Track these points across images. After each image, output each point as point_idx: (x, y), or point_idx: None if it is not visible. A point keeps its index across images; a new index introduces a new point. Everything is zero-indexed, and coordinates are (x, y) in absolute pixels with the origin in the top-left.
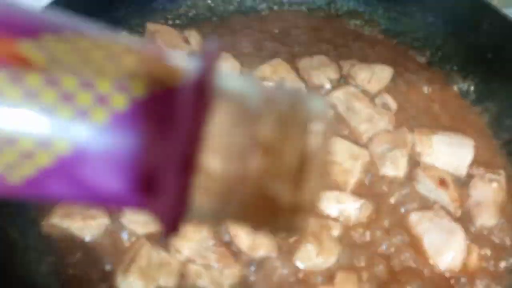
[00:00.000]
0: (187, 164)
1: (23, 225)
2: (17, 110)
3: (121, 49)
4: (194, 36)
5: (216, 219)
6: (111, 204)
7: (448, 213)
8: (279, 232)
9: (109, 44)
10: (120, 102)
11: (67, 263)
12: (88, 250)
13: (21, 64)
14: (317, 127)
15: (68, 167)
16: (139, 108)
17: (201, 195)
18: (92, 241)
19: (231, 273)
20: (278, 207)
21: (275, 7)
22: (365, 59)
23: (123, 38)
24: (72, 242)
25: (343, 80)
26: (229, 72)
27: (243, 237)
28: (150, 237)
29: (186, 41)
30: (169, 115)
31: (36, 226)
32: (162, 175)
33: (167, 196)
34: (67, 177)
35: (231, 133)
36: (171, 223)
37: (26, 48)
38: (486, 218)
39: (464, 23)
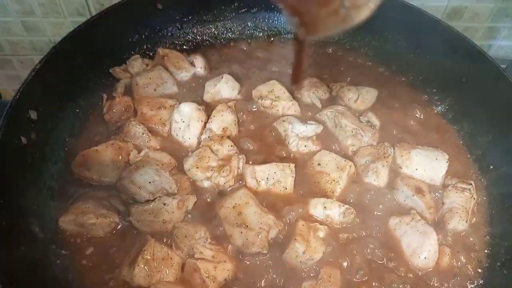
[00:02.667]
0: None
1: (43, 222)
2: None
3: None
4: (199, 60)
5: None
6: None
7: (424, 218)
8: (315, 25)
9: None
10: None
11: (80, 256)
12: (99, 245)
13: None
14: None
15: None
16: None
17: None
18: (103, 236)
19: (225, 267)
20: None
21: (273, 36)
22: (353, 82)
23: None
24: (86, 238)
25: (332, 100)
26: None
27: (237, 236)
28: (154, 235)
29: (192, 64)
30: None
31: (54, 223)
32: None
33: None
34: None
35: None
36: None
37: None
38: (457, 223)
39: (442, 52)
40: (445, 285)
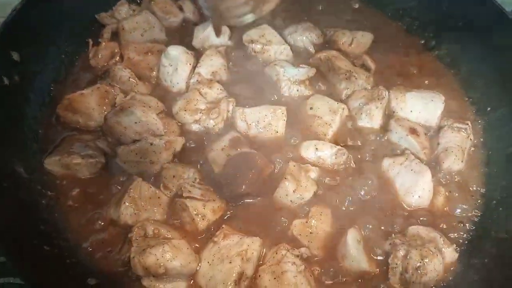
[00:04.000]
0: None
1: (27, 161)
2: None
3: None
4: (187, 5)
5: None
6: None
7: (418, 159)
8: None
9: None
10: None
11: (66, 197)
12: (85, 186)
13: None
14: None
15: None
16: None
17: None
18: (88, 178)
19: (214, 206)
20: None
21: None
22: (348, 27)
23: None
24: (71, 179)
25: (326, 45)
26: None
27: None
28: (141, 176)
29: (181, 9)
30: None
31: (39, 163)
32: None
33: None
34: None
35: None
36: None
37: None
38: (453, 162)
39: None
40: (440, 224)
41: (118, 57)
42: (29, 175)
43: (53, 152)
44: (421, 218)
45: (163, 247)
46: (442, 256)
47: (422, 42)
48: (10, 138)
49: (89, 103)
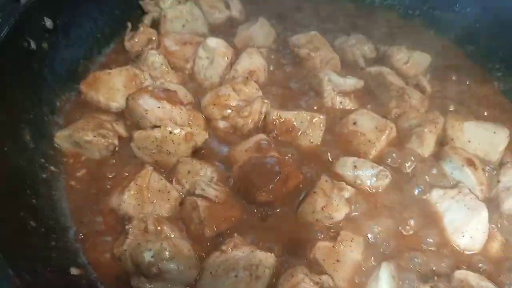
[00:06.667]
0: None
1: (37, 132)
2: None
3: None
4: (235, 3)
5: None
6: None
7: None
8: None
9: None
10: None
11: (70, 176)
12: (93, 169)
13: None
14: None
15: None
16: None
17: None
18: (98, 160)
19: (228, 212)
20: None
21: None
22: (405, 45)
23: None
24: (79, 158)
25: (378, 62)
26: None
27: None
28: (154, 165)
29: (227, 6)
30: None
31: (49, 136)
32: None
33: None
34: None
35: None
36: None
37: None
38: None
39: (510, 23)
40: (493, 273)
41: (154, 45)
42: (35, 145)
43: (66, 127)
44: (470, 263)
45: (162, 243)
46: None
47: (486, 71)
48: (24, 102)
49: (115, 83)
